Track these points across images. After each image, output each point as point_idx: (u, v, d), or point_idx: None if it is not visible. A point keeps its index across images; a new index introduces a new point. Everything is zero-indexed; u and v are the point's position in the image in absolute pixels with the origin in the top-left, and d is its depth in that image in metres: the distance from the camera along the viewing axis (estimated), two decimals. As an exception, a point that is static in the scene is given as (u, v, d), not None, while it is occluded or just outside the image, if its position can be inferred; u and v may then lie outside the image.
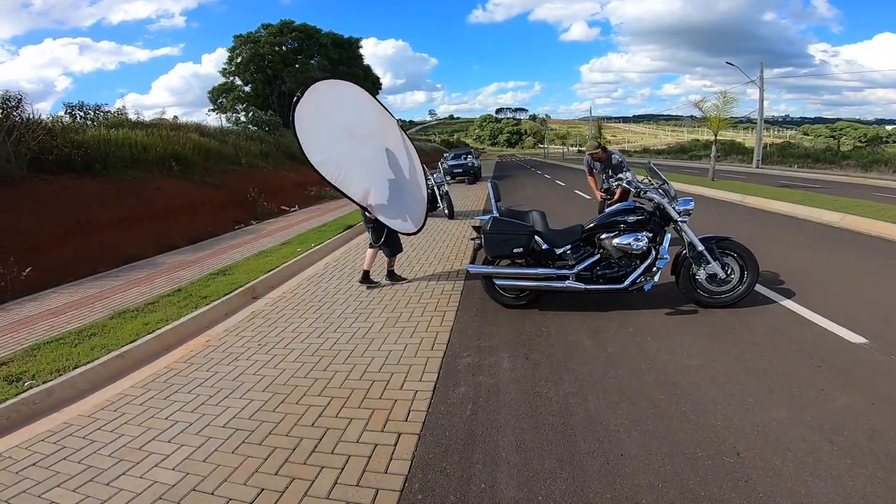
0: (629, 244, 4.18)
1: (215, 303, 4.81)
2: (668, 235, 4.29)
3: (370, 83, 37.44)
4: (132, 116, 14.42)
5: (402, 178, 5.52)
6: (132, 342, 3.88)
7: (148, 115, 15.25)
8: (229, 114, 28.76)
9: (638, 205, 4.39)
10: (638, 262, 4.26)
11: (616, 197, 5.86)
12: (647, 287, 4.20)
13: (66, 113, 12.88)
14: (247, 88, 31.58)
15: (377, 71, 40.03)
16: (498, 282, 4.38)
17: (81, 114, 13.20)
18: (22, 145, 8.15)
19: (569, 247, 4.38)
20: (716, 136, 18.14)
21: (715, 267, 4.22)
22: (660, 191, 4.39)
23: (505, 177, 24.31)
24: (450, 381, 3.18)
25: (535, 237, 4.32)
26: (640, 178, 4.57)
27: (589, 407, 2.78)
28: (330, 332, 4.12)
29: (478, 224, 4.68)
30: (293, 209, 13.51)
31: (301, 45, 32.30)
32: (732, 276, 4.28)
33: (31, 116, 9.30)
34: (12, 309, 5.17)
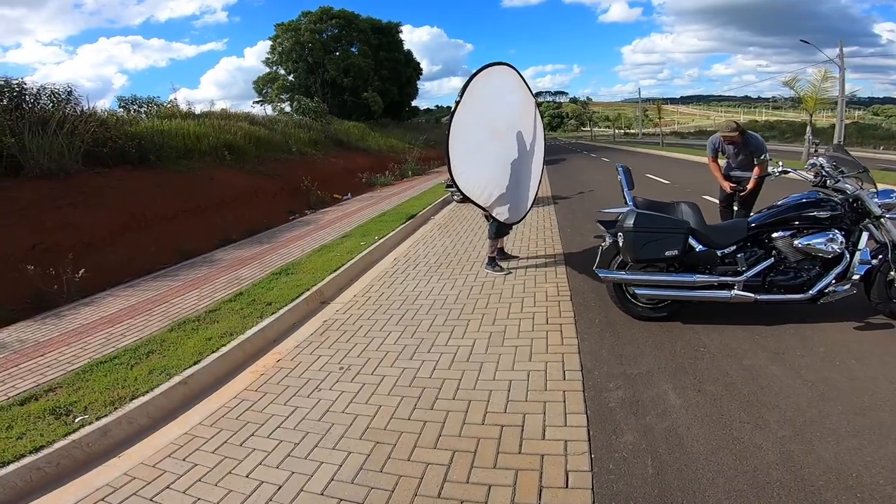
0: (820, 245, 3.20)
1: (282, 311, 4.17)
2: (866, 234, 3.27)
3: (412, 69, 36.48)
4: (184, 108, 14.19)
5: (525, 169, 5.15)
6: (196, 363, 3.27)
7: (198, 109, 14.99)
8: (275, 103, 28.70)
9: (823, 196, 3.37)
10: (820, 266, 3.29)
11: (751, 186, 4.75)
12: (836, 297, 3.22)
13: (119, 107, 12.80)
14: (290, 78, 31.23)
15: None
16: (640, 291, 3.47)
17: (135, 108, 13.08)
18: (76, 138, 7.85)
19: (733, 247, 3.42)
20: (811, 116, 16.23)
21: (926, 272, 3.20)
22: (855, 179, 3.36)
23: (558, 160, 22.93)
24: (606, 425, 2.37)
25: (690, 237, 3.37)
26: (822, 162, 3.52)
27: (822, 455, 2.05)
28: (423, 352, 3.36)
29: (609, 218, 3.78)
30: (346, 197, 12.96)
31: (341, 31, 31.51)
32: None
33: (85, 110, 9.05)
34: (66, 315, 4.73)
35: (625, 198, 3.91)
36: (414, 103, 42.59)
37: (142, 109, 13.02)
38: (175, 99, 14.89)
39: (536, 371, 2.92)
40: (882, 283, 3.29)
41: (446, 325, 3.79)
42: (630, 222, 3.32)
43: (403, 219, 8.25)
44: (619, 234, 3.43)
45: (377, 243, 6.53)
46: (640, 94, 72.03)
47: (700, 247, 3.41)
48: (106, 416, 2.71)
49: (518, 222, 5.31)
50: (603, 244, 3.72)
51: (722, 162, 5.17)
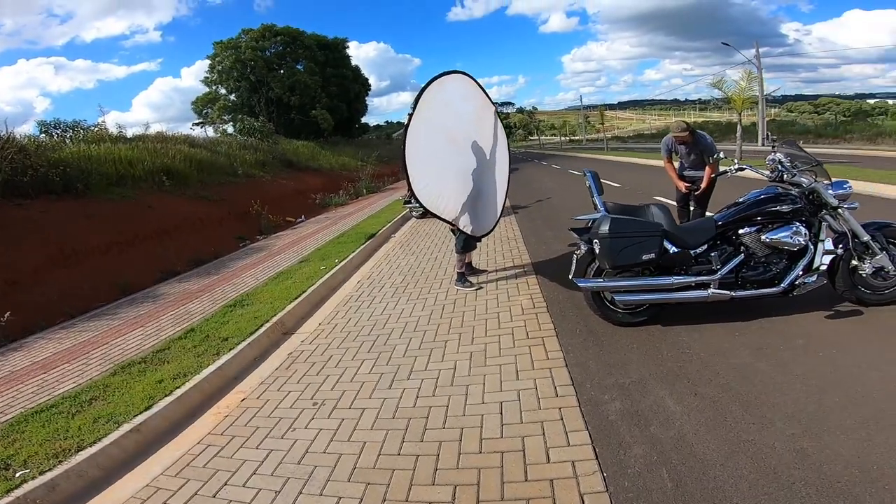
0: (786, 238, 3.27)
1: (241, 345, 3.81)
2: (825, 224, 3.39)
3: (360, 85, 36.24)
4: (114, 131, 13.21)
5: (489, 178, 5.01)
6: (147, 409, 2.89)
7: (131, 132, 14.03)
8: (217, 125, 27.54)
9: (781, 191, 3.47)
10: (787, 259, 3.37)
11: (704, 185, 4.91)
12: (808, 289, 3.30)
13: (41, 132, 11.74)
14: (232, 97, 30.13)
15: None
16: (619, 297, 3.41)
17: (59, 132, 12.04)
18: (-9, 167, 7.07)
19: (704, 247, 3.44)
20: (740, 115, 17.37)
21: (883, 259, 3.36)
22: (809, 173, 3.49)
23: (512, 170, 23.23)
24: (611, 439, 2.24)
25: (664, 239, 3.35)
26: (780, 157, 3.63)
27: (837, 450, 2.00)
28: (403, 380, 3.13)
29: (581, 225, 3.71)
30: (300, 220, 12.48)
31: (285, 48, 30.88)
32: None
33: (1, 135, 8.19)
34: (-12, 366, 4.13)
35: (595, 203, 3.88)
36: (364, 120, 42.43)
37: (66, 134, 12.01)
38: (104, 122, 13.90)
39: (526, 389, 2.76)
40: (845, 271, 3.39)
41: (423, 349, 3.57)
42: (605, 228, 3.27)
43: (363, 239, 7.97)
44: (595, 240, 3.36)
45: (338, 266, 6.22)
46: (581, 101, 75.51)
47: (674, 248, 3.40)
48: (50, 469, 2.34)
49: (487, 234, 5.19)
50: (577, 252, 3.63)
51: (677, 163, 5.31)
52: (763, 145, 28.41)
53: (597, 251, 3.37)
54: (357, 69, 36.66)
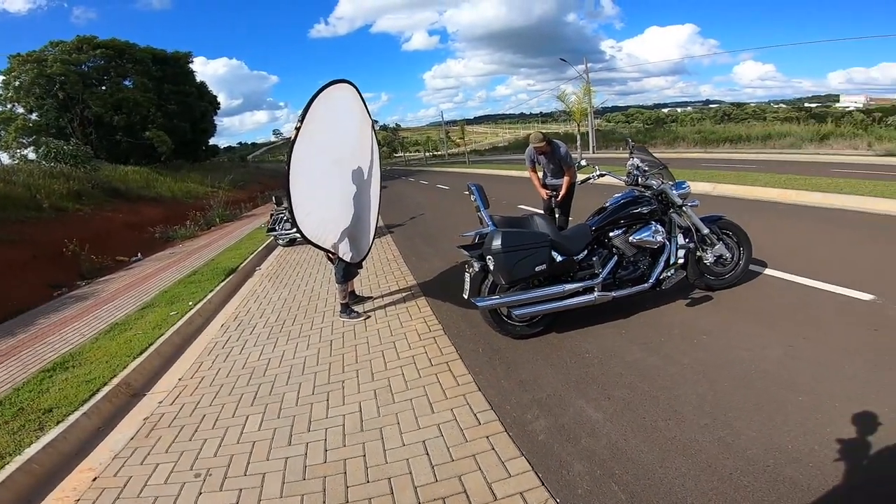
0: (648, 237, 3.59)
1: (75, 415, 2.95)
2: (674, 222, 3.81)
3: (207, 103, 32.90)
4: None
5: (365, 199, 4.63)
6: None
7: None
8: (13, 150, 22.27)
9: (638, 194, 3.83)
10: (650, 257, 3.71)
11: (563, 192, 5.31)
12: (672, 281, 3.67)
13: None
14: (33, 116, 24.78)
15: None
16: (518, 311, 3.37)
17: None
18: None
19: (584, 252, 3.60)
20: (579, 125, 19.65)
21: (721, 248, 3.93)
22: (658, 175, 3.91)
23: (381, 188, 23.10)
24: (550, 461, 2.13)
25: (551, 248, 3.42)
26: (637, 162, 4.01)
27: (750, 434, 2.16)
28: (302, 433, 2.65)
29: (469, 242, 3.60)
30: (136, 259, 10.53)
31: (109, 62, 26.57)
32: (734, 255, 4.02)
33: None
34: None
35: (483, 218, 3.83)
36: (213, 141, 38.71)
37: None
38: None
39: (446, 422, 2.53)
40: (693, 262, 3.86)
41: (318, 393, 3.11)
42: (498, 243, 3.21)
43: (222, 275, 6.95)
44: (489, 256, 3.29)
45: (194, 310, 5.27)
46: (442, 116, 79.36)
47: (560, 257, 3.50)
48: None
49: (364, 259, 4.83)
50: (470, 270, 3.52)
51: (541, 173, 5.65)
52: (594, 153, 32.99)
53: (491, 267, 3.30)
54: (203, 86, 33.37)
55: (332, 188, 4.16)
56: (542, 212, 3.68)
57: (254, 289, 6.44)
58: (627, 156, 4.18)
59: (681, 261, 3.69)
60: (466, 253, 3.53)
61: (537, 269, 3.28)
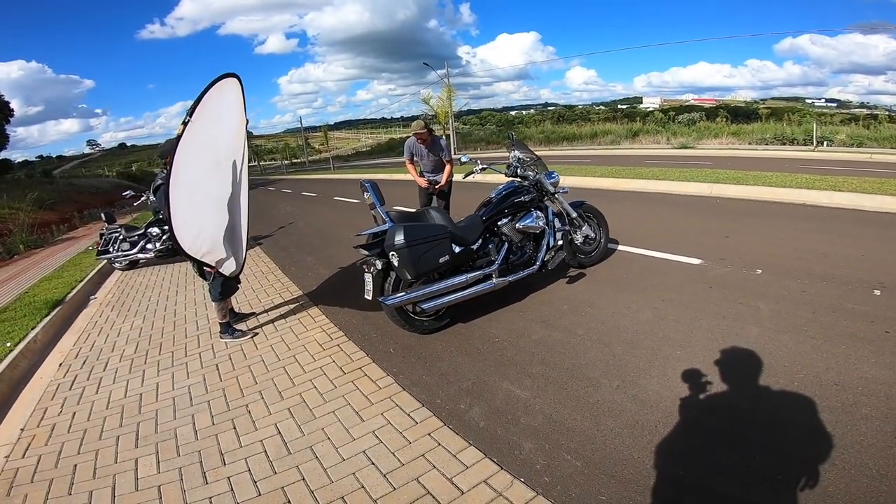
0: (531, 223, 3.92)
1: None
2: (549, 208, 4.21)
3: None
4: None
5: (237, 205, 4.13)
6: None
7: None
8: None
9: (518, 184, 4.14)
10: (533, 241, 4.05)
11: (444, 182, 5.51)
12: (556, 262, 4.04)
13: None
14: None
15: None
16: (425, 304, 3.36)
17: None
18: None
19: (479, 242, 3.75)
20: (443, 126, 20.35)
21: (588, 229, 4.46)
22: (533, 167, 4.27)
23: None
24: (500, 445, 2.21)
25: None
26: (518, 154, 4.31)
27: (656, 389, 2.51)
28: (216, 468, 2.28)
29: (369, 241, 3.47)
30: None
31: None
32: (597, 235, 4.59)
33: None
34: None
35: (380, 215, 3.74)
36: (4, 154, 31.21)
37: None
38: None
39: (381, 428, 2.43)
40: (566, 243, 4.30)
41: (220, 423, 2.72)
42: (401, 238, 3.18)
43: (44, 308, 5.61)
44: (392, 253, 3.24)
45: (15, 351, 4.18)
46: (301, 122, 75.06)
47: (458, 248, 3.59)
48: None
49: (240, 272, 4.36)
50: (371, 270, 3.41)
51: (419, 169, 5.74)
52: (455, 154, 34.81)
53: (395, 264, 3.26)
54: (-15, 91, 26.48)
55: (210, 193, 3.67)
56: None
57: (92, 320, 5.34)
58: (507, 151, 4.49)
59: (559, 242, 4.09)
60: (365, 252, 3.42)
61: (441, 260, 3.33)
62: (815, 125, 22.86)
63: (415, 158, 5.65)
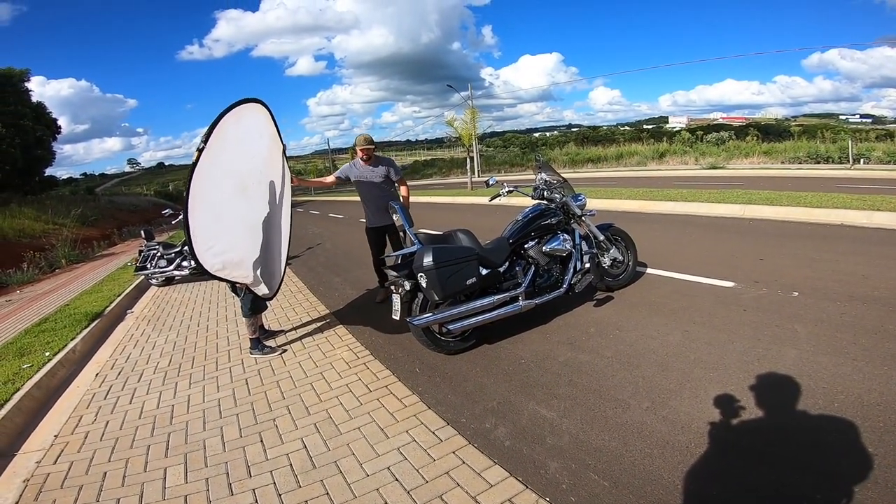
0: (559, 246, 3.90)
1: None
2: (577, 231, 4.19)
3: (44, 127, 27.93)
4: None
5: (276, 228, 4.26)
6: None
7: None
8: None
9: (545, 207, 4.15)
10: (560, 264, 4.03)
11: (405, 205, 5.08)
12: (583, 285, 4.00)
13: None
14: None
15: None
16: (452, 326, 3.38)
17: None
18: None
19: (506, 264, 3.76)
20: (468, 148, 20.50)
21: (615, 252, 4.42)
22: (560, 189, 4.27)
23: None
24: (524, 464, 2.18)
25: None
26: (545, 177, 4.33)
27: (688, 412, 2.43)
28: (243, 479, 2.32)
29: (397, 262, 3.52)
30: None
31: None
32: (625, 258, 4.54)
33: None
34: None
35: (409, 237, 3.80)
36: (50, 171, 33.01)
37: None
38: None
39: (405, 445, 2.43)
40: (594, 266, 4.27)
41: (248, 435, 2.78)
42: (429, 260, 3.23)
43: (84, 321, 5.87)
44: (420, 274, 3.28)
45: (54, 360, 4.39)
46: (329, 144, 77.18)
47: (485, 270, 3.61)
48: None
49: (275, 295, 4.45)
50: (399, 291, 3.43)
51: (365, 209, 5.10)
52: (479, 176, 34.84)
53: (423, 285, 3.29)
54: (40, 106, 28.41)
55: (238, 216, 3.80)
56: (465, 228, 3.71)
57: (129, 333, 5.55)
58: (534, 173, 4.52)
59: (587, 265, 4.06)
60: (394, 274, 3.47)
61: (468, 282, 3.36)
62: (850, 142, 21.99)
63: (355, 188, 4.99)
